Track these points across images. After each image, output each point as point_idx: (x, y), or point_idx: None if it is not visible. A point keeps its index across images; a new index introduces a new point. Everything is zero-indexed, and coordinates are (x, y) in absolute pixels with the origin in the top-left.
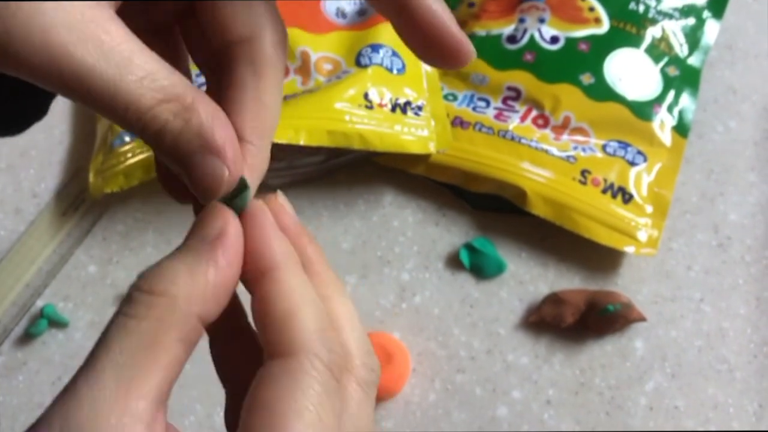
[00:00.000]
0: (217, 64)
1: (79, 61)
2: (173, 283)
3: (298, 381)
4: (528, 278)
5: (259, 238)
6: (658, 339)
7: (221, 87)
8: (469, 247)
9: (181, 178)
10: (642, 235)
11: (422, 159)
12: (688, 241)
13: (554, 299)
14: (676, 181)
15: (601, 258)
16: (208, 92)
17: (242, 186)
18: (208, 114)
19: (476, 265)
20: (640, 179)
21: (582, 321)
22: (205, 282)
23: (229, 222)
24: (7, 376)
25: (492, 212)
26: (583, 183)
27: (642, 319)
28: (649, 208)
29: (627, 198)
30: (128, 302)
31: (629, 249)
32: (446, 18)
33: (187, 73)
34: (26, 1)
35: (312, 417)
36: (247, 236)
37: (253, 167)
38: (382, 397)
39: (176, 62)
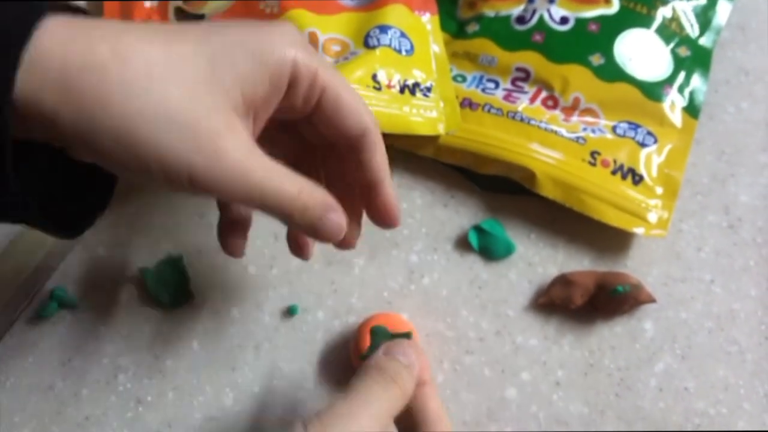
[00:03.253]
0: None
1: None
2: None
3: None
4: (537, 260)
5: (424, 360)
6: (668, 320)
7: (344, 169)
8: (478, 229)
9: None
10: (652, 217)
11: (431, 141)
12: (699, 223)
13: (563, 281)
14: (686, 163)
15: (610, 239)
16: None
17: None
18: (322, 190)
19: (485, 247)
20: (651, 160)
21: (591, 302)
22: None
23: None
24: (17, 357)
25: (501, 194)
26: (593, 164)
27: (652, 300)
28: (659, 190)
29: (637, 179)
30: None
31: (639, 230)
32: (395, 204)
33: None
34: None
35: None
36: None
37: (391, 202)
38: None
39: None
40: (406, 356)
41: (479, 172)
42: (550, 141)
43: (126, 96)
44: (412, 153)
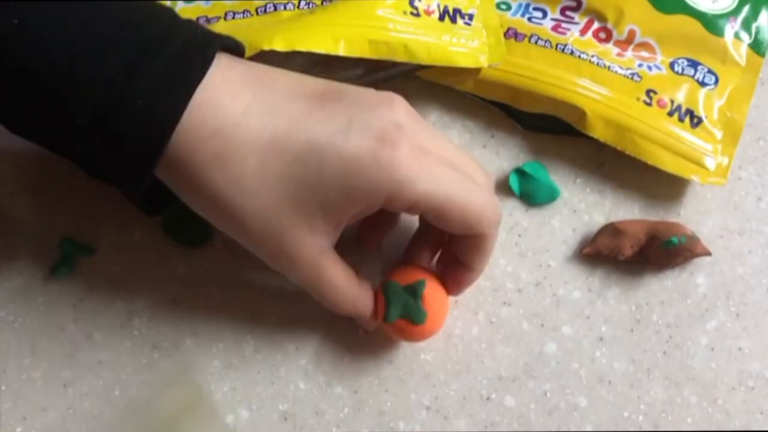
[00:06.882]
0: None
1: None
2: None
3: None
4: (583, 207)
5: None
6: (723, 275)
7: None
8: (520, 172)
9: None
10: (710, 163)
11: (471, 74)
12: (760, 170)
13: (612, 229)
14: (749, 105)
15: (663, 186)
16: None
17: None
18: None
19: (526, 192)
20: (711, 101)
21: (641, 254)
22: None
23: None
24: (27, 296)
25: (546, 134)
26: (648, 104)
27: (707, 253)
28: (719, 134)
29: (695, 122)
30: None
31: (695, 177)
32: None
33: None
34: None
35: None
36: None
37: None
38: (422, 333)
39: None
40: None
41: (523, 110)
42: (602, 77)
43: (216, 195)
44: (450, 88)
